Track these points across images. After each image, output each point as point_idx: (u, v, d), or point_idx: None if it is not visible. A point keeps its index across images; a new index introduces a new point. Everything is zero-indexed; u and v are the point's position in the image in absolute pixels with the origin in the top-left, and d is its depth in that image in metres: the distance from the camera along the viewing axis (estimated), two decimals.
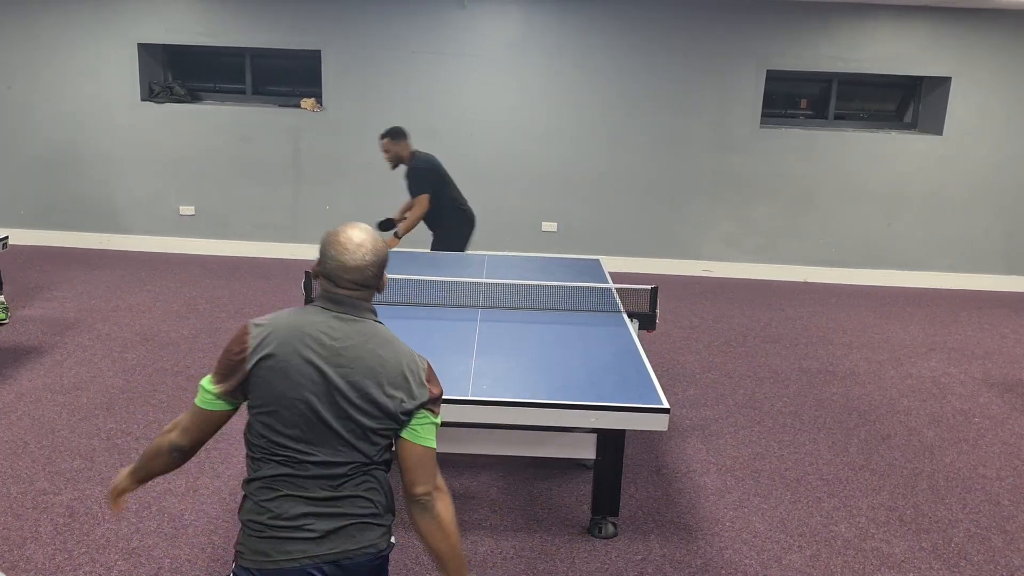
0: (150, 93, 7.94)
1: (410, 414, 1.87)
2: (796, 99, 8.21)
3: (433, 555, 1.96)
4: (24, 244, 8.05)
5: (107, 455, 3.95)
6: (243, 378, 1.86)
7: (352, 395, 1.84)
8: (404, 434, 1.88)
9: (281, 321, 1.89)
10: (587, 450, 3.44)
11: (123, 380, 4.85)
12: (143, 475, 2.05)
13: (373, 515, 1.91)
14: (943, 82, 7.75)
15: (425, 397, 1.88)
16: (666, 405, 3.09)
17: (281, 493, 1.86)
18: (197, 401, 1.91)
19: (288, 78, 8.21)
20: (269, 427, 1.86)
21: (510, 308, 4.24)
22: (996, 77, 7.63)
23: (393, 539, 1.99)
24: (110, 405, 4.51)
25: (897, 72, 7.68)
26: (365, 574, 1.90)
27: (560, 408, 3.08)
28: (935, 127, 7.85)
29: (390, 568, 3.20)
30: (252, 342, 1.86)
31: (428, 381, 1.91)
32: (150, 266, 7.49)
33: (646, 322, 4.22)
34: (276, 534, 1.85)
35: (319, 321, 1.89)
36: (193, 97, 8.12)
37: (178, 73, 8.23)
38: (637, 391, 3.21)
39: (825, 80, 8.05)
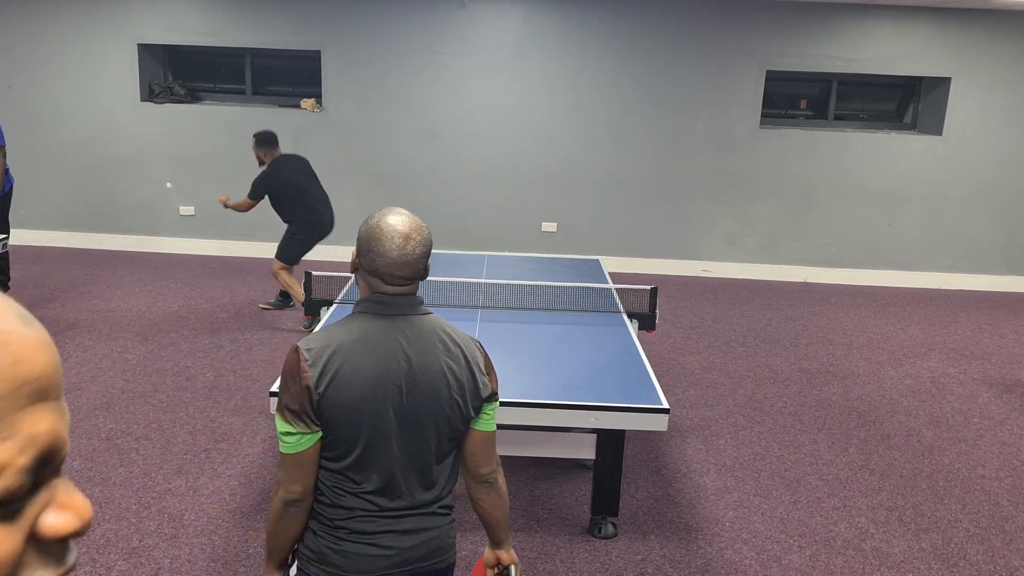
0: (150, 93, 7.94)
1: (480, 409, 1.86)
2: (796, 99, 8.21)
3: (491, 523, 1.98)
4: (24, 244, 8.05)
5: (107, 455, 3.96)
6: (315, 409, 1.72)
7: (434, 405, 1.79)
8: (473, 425, 1.87)
9: (338, 338, 1.75)
10: (587, 450, 3.44)
11: (123, 380, 4.85)
12: (283, 554, 1.86)
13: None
14: (943, 82, 7.75)
15: (488, 391, 1.86)
16: (666, 405, 3.09)
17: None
18: (285, 449, 1.74)
19: (288, 78, 8.21)
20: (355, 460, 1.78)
21: (510, 308, 4.24)
22: (996, 77, 7.63)
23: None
24: (110, 405, 4.51)
25: (897, 72, 7.69)
26: None
27: (560, 408, 3.09)
28: (935, 127, 7.85)
29: None
30: (313, 370, 1.71)
31: (487, 372, 1.87)
32: (150, 266, 7.49)
33: (646, 322, 4.22)
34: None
35: (382, 330, 1.76)
36: (193, 97, 8.12)
37: (178, 73, 8.23)
38: (637, 391, 3.21)
39: (825, 80, 8.05)
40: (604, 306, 4.32)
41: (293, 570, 1.89)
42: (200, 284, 6.98)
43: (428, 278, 4.54)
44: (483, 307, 4.25)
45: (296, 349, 1.74)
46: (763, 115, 7.94)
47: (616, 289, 4.68)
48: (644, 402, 3.11)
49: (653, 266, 8.06)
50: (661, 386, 3.29)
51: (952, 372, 5.66)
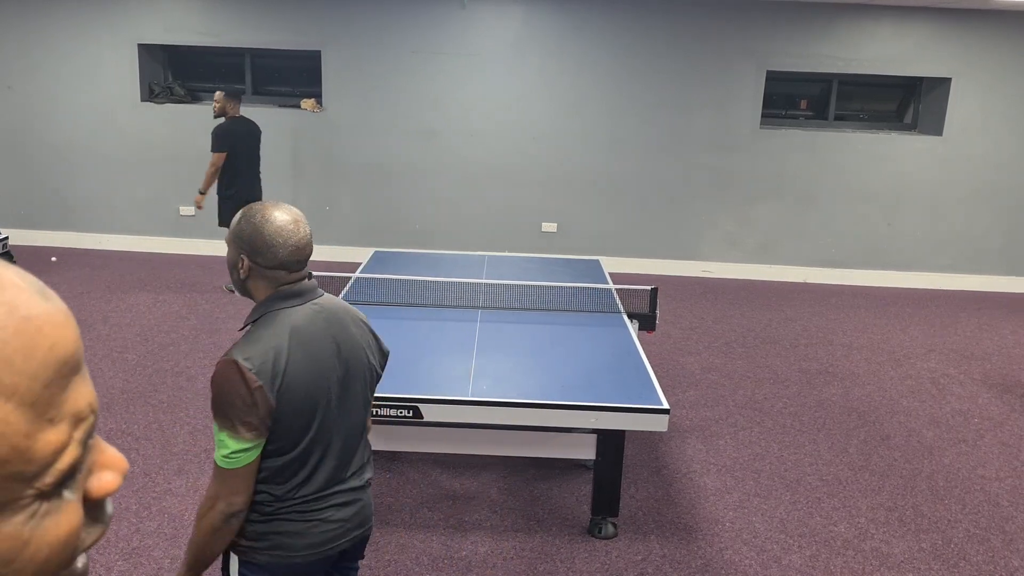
0: (150, 93, 7.94)
1: (384, 367, 2.04)
2: (796, 99, 8.21)
3: None
4: (24, 244, 8.05)
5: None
6: (272, 417, 1.74)
7: (361, 377, 1.93)
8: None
9: (272, 341, 1.76)
10: (587, 450, 3.44)
11: (123, 380, 4.85)
12: (209, 564, 1.85)
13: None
14: (943, 82, 7.75)
15: (387, 348, 2.05)
16: (666, 406, 3.09)
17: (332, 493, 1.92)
18: (231, 464, 1.71)
19: (288, 78, 8.21)
20: (302, 442, 1.82)
21: (510, 308, 4.24)
22: (996, 77, 7.63)
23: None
24: (110, 405, 4.51)
25: (897, 72, 7.68)
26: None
27: (560, 408, 3.09)
28: (935, 127, 7.85)
29: (391, 568, 3.20)
30: (261, 379, 1.71)
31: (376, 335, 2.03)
32: (150, 266, 7.49)
33: (646, 323, 4.22)
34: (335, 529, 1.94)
35: (307, 321, 1.82)
36: (193, 97, 8.11)
37: (178, 73, 8.23)
38: (637, 392, 3.21)
39: (825, 80, 8.05)
40: (604, 306, 4.32)
41: (234, 568, 1.87)
42: (200, 284, 6.98)
43: (428, 278, 4.54)
44: (483, 307, 4.25)
45: (234, 363, 1.70)
46: (763, 115, 7.94)
47: (616, 289, 4.67)
48: (644, 402, 3.12)
49: (653, 266, 8.06)
50: (661, 386, 3.29)
51: (952, 372, 5.66)
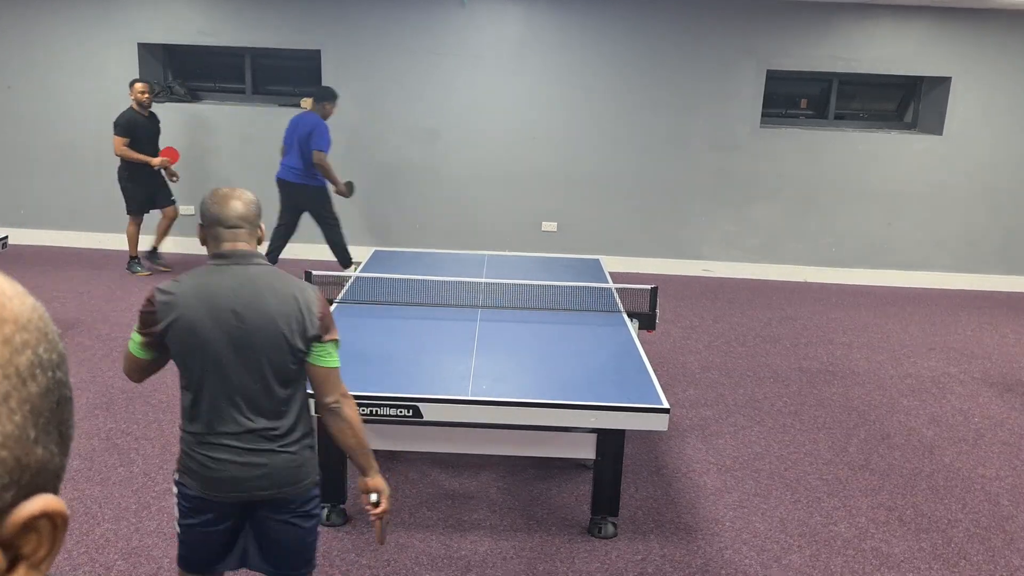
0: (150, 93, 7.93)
1: (310, 346, 2.14)
2: (796, 99, 8.21)
3: (347, 450, 2.28)
4: (24, 244, 8.05)
5: (107, 455, 3.95)
6: (157, 338, 2.11)
7: (260, 341, 2.09)
8: (311, 360, 2.16)
9: (186, 285, 2.11)
10: (587, 450, 3.44)
11: (123, 380, 4.85)
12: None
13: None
14: (943, 82, 7.75)
15: (315, 331, 2.14)
16: (666, 405, 3.09)
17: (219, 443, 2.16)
18: (129, 346, 2.18)
19: (288, 78, 8.21)
20: (194, 380, 2.14)
21: (510, 308, 4.24)
22: (996, 77, 7.63)
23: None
24: (110, 405, 4.50)
25: (897, 72, 7.68)
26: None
27: (560, 408, 3.09)
28: (935, 127, 7.85)
29: (391, 568, 3.20)
30: (161, 307, 2.09)
31: (321, 316, 2.15)
32: (151, 266, 7.48)
33: (646, 322, 4.22)
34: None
35: (217, 279, 2.10)
36: (193, 97, 8.11)
37: (178, 73, 8.23)
38: (637, 391, 3.21)
39: (825, 80, 8.05)
40: (604, 306, 4.32)
41: (176, 475, 2.25)
42: None
43: (428, 277, 4.54)
44: (483, 307, 4.24)
45: (151, 294, 2.12)
46: (763, 115, 7.94)
47: (616, 289, 4.67)
48: (644, 402, 3.11)
49: (653, 266, 8.05)
50: (661, 386, 3.29)
51: (952, 372, 5.66)
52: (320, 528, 2.35)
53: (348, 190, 7.01)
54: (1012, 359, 5.99)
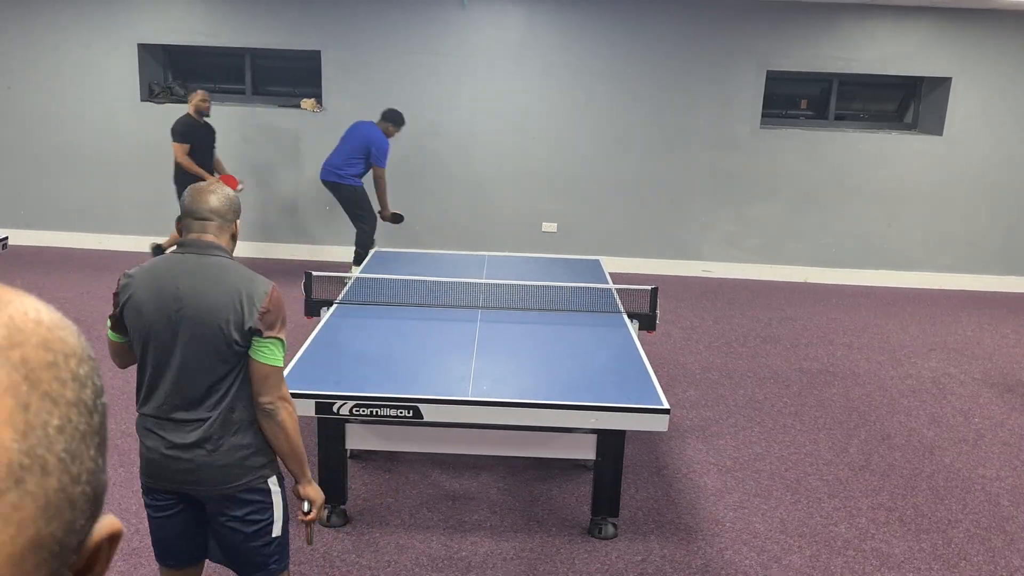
0: (150, 93, 7.94)
1: (248, 340, 2.12)
2: (796, 99, 8.21)
3: (279, 455, 2.23)
4: (24, 244, 8.05)
5: (107, 455, 3.95)
6: (119, 316, 2.19)
7: (196, 328, 2.11)
8: (250, 353, 2.14)
9: (143, 269, 2.19)
10: (587, 450, 3.44)
11: (123, 380, 4.85)
12: None
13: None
14: (943, 82, 7.75)
15: (251, 325, 2.11)
16: (666, 405, 3.09)
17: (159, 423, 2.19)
18: (108, 332, 2.28)
19: (288, 78, 8.21)
20: (141, 361, 2.19)
21: (510, 308, 4.24)
22: (996, 77, 7.63)
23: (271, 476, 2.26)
24: (110, 405, 4.50)
25: (897, 72, 7.68)
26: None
27: (560, 408, 3.09)
28: (935, 127, 7.85)
29: (391, 568, 3.20)
30: (121, 289, 2.18)
31: (265, 311, 2.12)
32: None
33: (646, 322, 4.22)
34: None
35: (170, 264, 2.17)
36: None
37: (178, 73, 8.23)
38: (637, 391, 3.21)
39: (825, 80, 8.05)
40: (604, 306, 4.32)
41: None
42: None
43: (428, 278, 4.54)
44: (483, 307, 4.24)
45: (119, 278, 2.23)
46: (763, 115, 7.94)
47: (616, 289, 4.67)
48: (644, 402, 3.11)
49: (653, 266, 8.05)
50: (661, 386, 3.29)
51: (952, 372, 5.66)
52: (275, 536, 2.24)
53: (394, 219, 6.99)
54: (1012, 359, 5.99)
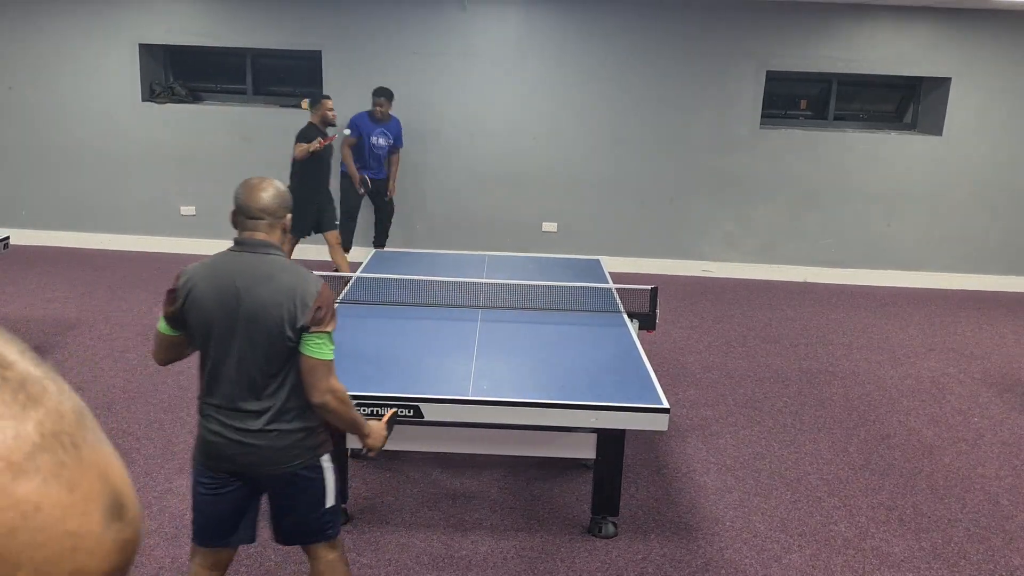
0: (151, 93, 7.95)
1: (299, 336, 2.24)
2: (796, 99, 8.22)
3: (343, 430, 2.49)
4: (24, 244, 8.05)
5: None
6: (178, 311, 2.29)
7: (253, 324, 2.22)
8: (300, 349, 2.25)
9: (202, 265, 2.31)
10: (587, 450, 3.44)
11: (123, 380, 4.85)
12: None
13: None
14: (943, 83, 7.75)
15: (304, 321, 2.22)
16: (666, 405, 3.09)
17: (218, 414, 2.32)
18: (158, 326, 2.36)
19: (289, 78, 8.22)
20: (203, 354, 2.30)
21: (510, 308, 4.24)
22: (996, 77, 7.64)
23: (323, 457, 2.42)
24: (110, 405, 4.51)
25: (897, 73, 7.69)
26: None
27: (560, 408, 3.09)
28: (935, 128, 7.86)
29: (392, 567, 3.21)
30: (180, 285, 2.29)
31: (317, 308, 2.23)
32: (151, 266, 7.49)
33: (646, 322, 4.23)
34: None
35: (227, 262, 2.28)
36: (194, 97, 8.12)
37: (179, 73, 8.24)
38: (637, 391, 3.22)
39: (825, 81, 8.06)
40: (604, 306, 4.32)
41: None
42: None
43: (428, 278, 4.55)
44: (483, 307, 4.25)
45: (177, 274, 2.33)
46: (763, 115, 7.94)
47: (616, 289, 4.68)
48: (644, 402, 3.12)
49: (653, 266, 8.06)
50: (661, 386, 3.29)
51: (952, 372, 5.67)
52: (328, 506, 2.43)
53: (363, 185, 7.36)
54: (1012, 359, 6.00)
